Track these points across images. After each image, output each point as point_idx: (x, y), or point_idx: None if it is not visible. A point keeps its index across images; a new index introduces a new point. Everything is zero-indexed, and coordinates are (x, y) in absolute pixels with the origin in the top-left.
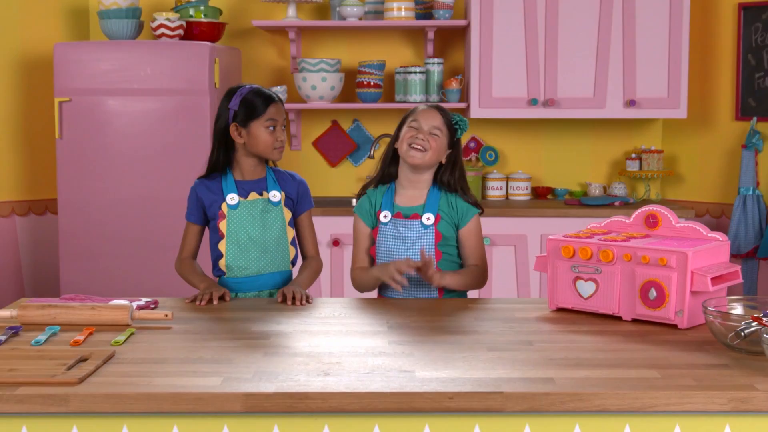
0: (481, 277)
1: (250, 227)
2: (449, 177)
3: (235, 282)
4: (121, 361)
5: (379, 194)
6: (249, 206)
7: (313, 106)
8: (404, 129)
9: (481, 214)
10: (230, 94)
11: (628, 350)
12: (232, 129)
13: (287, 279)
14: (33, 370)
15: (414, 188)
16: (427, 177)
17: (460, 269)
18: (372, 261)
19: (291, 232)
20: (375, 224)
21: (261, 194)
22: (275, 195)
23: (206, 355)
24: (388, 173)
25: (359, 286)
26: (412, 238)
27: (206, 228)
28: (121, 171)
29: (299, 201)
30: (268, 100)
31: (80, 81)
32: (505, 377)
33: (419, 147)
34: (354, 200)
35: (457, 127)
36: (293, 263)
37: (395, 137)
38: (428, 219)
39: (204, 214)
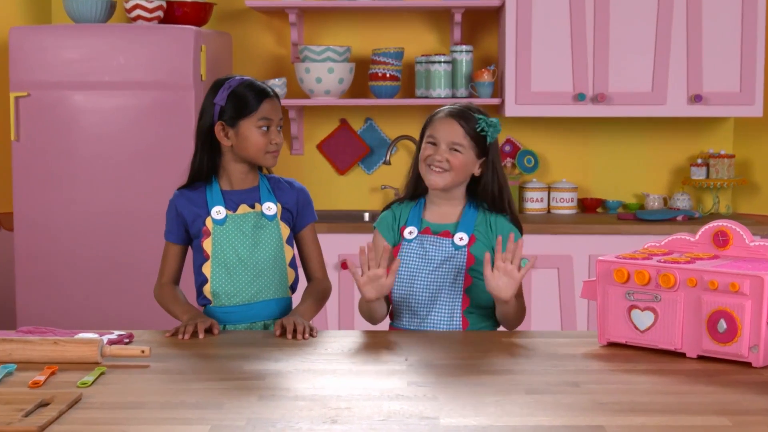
0: (522, 312)
1: (240, 246)
2: (490, 186)
3: (224, 312)
4: (89, 406)
5: (406, 208)
6: (238, 221)
7: (318, 103)
8: (423, 143)
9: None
10: (216, 87)
11: (693, 393)
12: (218, 128)
13: (286, 307)
14: None
15: (446, 204)
16: (460, 192)
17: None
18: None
19: (289, 252)
20: (398, 241)
21: (253, 206)
22: (270, 207)
23: (190, 398)
24: (419, 188)
25: (367, 314)
26: (439, 258)
27: (190, 248)
28: (89, 180)
29: (300, 213)
30: (262, 94)
31: (41, 72)
32: (547, 425)
33: (437, 169)
34: (366, 214)
35: (484, 134)
36: (293, 288)
37: (420, 146)
38: (461, 239)
39: (186, 232)
